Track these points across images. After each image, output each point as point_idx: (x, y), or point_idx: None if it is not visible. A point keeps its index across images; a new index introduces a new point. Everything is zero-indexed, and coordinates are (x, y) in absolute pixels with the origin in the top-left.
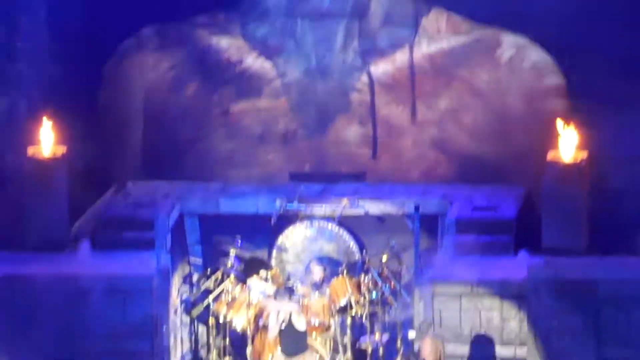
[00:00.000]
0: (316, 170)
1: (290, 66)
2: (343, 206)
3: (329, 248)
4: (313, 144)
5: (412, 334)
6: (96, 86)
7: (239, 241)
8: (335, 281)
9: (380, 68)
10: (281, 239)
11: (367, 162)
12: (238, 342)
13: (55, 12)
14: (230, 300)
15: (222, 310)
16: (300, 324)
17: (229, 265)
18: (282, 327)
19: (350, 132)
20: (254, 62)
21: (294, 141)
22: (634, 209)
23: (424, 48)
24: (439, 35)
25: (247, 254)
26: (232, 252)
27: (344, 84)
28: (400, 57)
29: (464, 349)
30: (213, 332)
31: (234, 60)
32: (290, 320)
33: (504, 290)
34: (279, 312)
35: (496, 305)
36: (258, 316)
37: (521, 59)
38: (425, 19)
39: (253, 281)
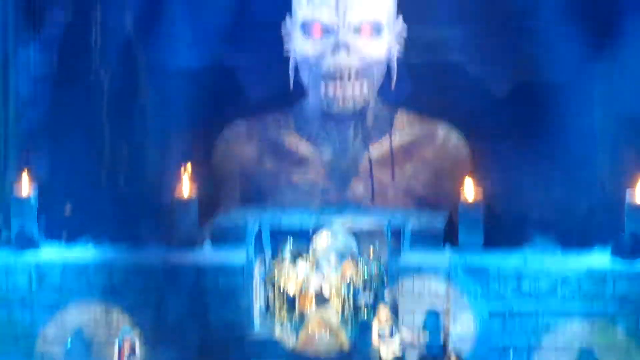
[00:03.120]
0: (336, 204)
1: (324, 150)
2: (349, 221)
3: (340, 246)
4: (339, 195)
5: (386, 294)
6: (210, 154)
7: (291, 241)
8: (344, 264)
9: (375, 150)
10: (314, 240)
11: (369, 203)
12: (290, 300)
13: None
14: (286, 275)
15: (282, 281)
16: (328, 289)
17: (286, 256)
18: (318, 291)
19: (359, 188)
20: (304, 147)
21: (328, 194)
22: (511, 225)
23: (397, 136)
24: (404, 129)
25: (295, 250)
26: (287, 248)
27: (355, 160)
28: (385, 143)
29: (416, 304)
30: (277, 294)
31: (292, 146)
32: (322, 287)
33: (438, 270)
34: (317, 283)
35: (433, 278)
36: (302, 284)
37: (449, 139)
38: (396, 120)
39: (299, 264)
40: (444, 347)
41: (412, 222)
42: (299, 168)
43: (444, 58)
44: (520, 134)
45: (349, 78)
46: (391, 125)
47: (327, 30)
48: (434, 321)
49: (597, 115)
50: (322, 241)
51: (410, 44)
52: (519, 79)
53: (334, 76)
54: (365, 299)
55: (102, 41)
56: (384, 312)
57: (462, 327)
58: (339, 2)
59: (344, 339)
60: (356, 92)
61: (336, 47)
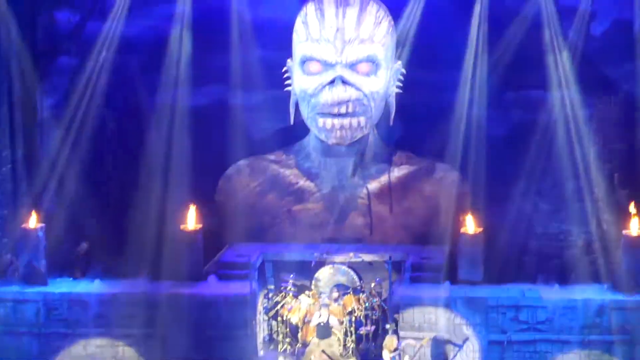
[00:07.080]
0: (337, 236)
1: (324, 185)
2: (350, 256)
3: (342, 279)
4: (338, 228)
5: (387, 326)
6: (213, 193)
7: (294, 275)
8: (346, 297)
9: (373, 185)
10: (317, 274)
11: (367, 237)
12: (293, 330)
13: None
14: (289, 307)
15: (285, 312)
16: (331, 321)
17: (288, 288)
18: (321, 323)
19: (358, 221)
20: (304, 182)
21: (327, 227)
22: (506, 258)
23: (395, 172)
24: (402, 165)
25: (298, 282)
26: (290, 281)
27: (354, 194)
28: (384, 178)
29: (416, 334)
30: (280, 325)
31: (293, 182)
32: (325, 318)
33: (437, 302)
34: (320, 315)
35: (433, 310)
36: (305, 316)
37: (446, 177)
38: (395, 157)
39: (302, 297)
40: None
41: (413, 257)
42: (300, 203)
43: (443, 99)
44: (518, 171)
45: (346, 111)
46: (390, 162)
47: (325, 67)
48: (435, 351)
49: (592, 153)
50: (325, 274)
51: (409, 84)
52: (516, 118)
53: (331, 109)
54: (366, 330)
55: (107, 84)
56: (392, 342)
57: (461, 357)
58: (337, 39)
59: None
60: (353, 126)
61: (333, 82)
